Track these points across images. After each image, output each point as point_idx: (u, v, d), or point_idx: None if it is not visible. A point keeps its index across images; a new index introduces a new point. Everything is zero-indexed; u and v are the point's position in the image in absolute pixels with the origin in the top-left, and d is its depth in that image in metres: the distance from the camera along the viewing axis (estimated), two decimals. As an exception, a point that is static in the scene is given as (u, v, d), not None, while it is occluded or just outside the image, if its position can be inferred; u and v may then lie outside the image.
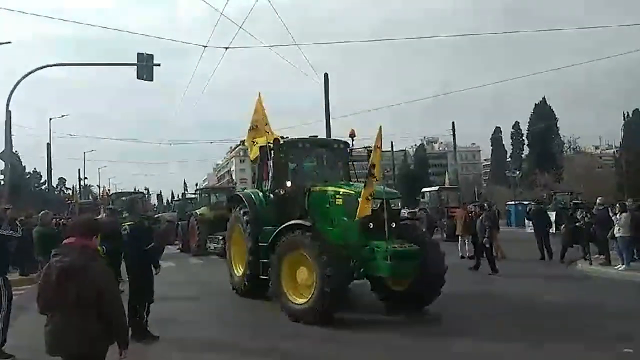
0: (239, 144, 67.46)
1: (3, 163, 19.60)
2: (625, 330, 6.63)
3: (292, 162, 9.73)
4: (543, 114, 58.50)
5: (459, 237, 15.61)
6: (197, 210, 20.41)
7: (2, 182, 20.74)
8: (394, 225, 7.68)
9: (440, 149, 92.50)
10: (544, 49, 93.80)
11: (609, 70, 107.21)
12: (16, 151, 42.86)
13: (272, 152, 9.29)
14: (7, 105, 17.96)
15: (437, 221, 22.59)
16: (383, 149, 8.22)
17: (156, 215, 25.23)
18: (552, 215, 18.99)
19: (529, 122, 60.18)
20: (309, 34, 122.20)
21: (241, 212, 9.66)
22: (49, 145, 35.44)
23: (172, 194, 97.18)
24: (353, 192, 8.03)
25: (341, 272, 7.33)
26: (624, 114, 56.24)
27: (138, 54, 17.92)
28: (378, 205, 7.49)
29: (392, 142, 44.22)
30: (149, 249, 6.91)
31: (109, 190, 36.24)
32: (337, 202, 8.24)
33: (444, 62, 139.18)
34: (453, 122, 38.86)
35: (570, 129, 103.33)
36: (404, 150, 77.00)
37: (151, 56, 17.85)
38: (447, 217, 21.31)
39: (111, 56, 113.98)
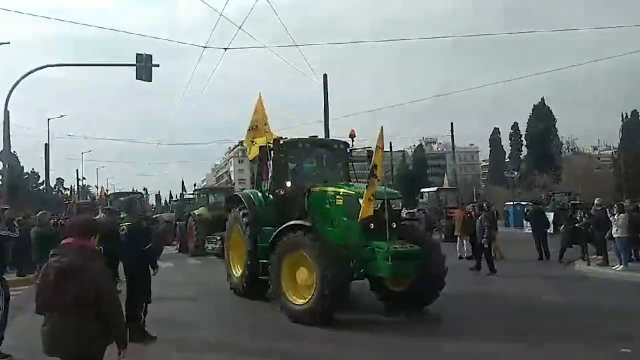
0: (238, 145, 67.53)
1: (1, 163, 19.58)
2: (624, 330, 6.64)
3: (292, 162, 9.71)
4: (542, 114, 58.60)
5: (458, 238, 15.63)
6: (195, 211, 20.39)
7: (0, 183, 20.70)
8: (394, 226, 7.66)
9: (439, 149, 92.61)
10: (543, 49, 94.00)
11: (608, 71, 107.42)
12: (14, 151, 42.93)
13: (272, 152, 9.26)
14: (6, 105, 17.97)
15: (435, 222, 22.60)
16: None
17: (154, 216, 25.12)
18: (550, 216, 19.03)
19: (527, 123, 60.28)
20: (308, 34, 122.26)
21: (240, 212, 9.61)
22: (47, 145, 35.42)
23: (171, 194, 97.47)
24: (353, 193, 8.02)
25: (341, 273, 7.31)
26: (622, 115, 56.31)
27: (137, 54, 17.91)
28: (379, 206, 7.49)
29: (390, 143, 44.25)
30: (147, 249, 6.90)
31: (107, 190, 36.11)
32: (337, 203, 8.21)
33: (443, 63, 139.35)
34: (452, 123, 38.89)
35: (568, 129, 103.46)
36: (403, 150, 77.14)
37: (150, 57, 17.83)
38: (446, 217, 21.33)
39: (111, 57, 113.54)
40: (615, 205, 12.64)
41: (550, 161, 51.43)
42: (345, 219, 8.05)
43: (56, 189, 64.11)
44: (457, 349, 6.15)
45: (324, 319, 7.18)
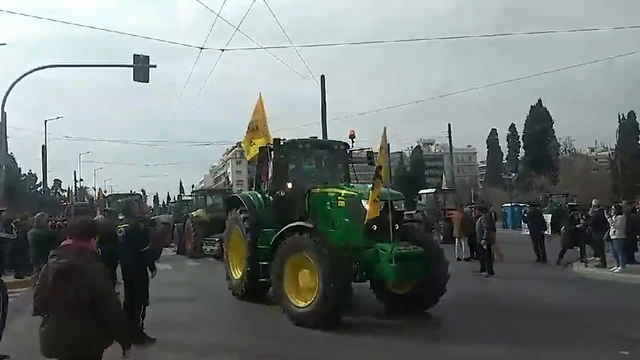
0: (236, 146, 67.44)
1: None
2: (622, 332, 6.66)
3: (292, 163, 9.63)
4: (539, 116, 58.84)
5: (456, 239, 15.65)
6: (193, 212, 20.36)
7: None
8: (397, 227, 7.60)
9: (437, 151, 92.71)
10: (542, 50, 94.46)
11: (606, 72, 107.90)
12: (11, 153, 42.81)
13: (272, 153, 9.22)
14: (2, 107, 17.90)
15: (434, 223, 22.60)
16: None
17: (152, 217, 25.10)
18: (548, 218, 19.07)
19: (524, 124, 60.47)
20: (308, 34, 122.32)
21: (240, 214, 9.54)
22: (44, 147, 35.33)
23: (168, 195, 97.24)
24: (355, 194, 7.97)
25: (344, 275, 7.26)
26: (619, 116, 56.46)
27: (134, 55, 17.89)
28: (382, 207, 7.42)
29: (388, 145, 44.24)
30: (145, 251, 6.87)
31: (105, 192, 36.06)
32: (339, 204, 8.14)
33: (443, 63, 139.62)
34: (449, 124, 38.92)
35: (565, 131, 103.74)
36: (401, 152, 77.20)
37: (147, 58, 17.81)
38: (444, 219, 21.34)
39: (109, 58, 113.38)
40: (613, 207, 12.66)
41: (547, 162, 51.67)
42: (347, 220, 7.99)
43: (54, 191, 63.85)
44: (459, 351, 6.14)
45: (327, 321, 7.08)
